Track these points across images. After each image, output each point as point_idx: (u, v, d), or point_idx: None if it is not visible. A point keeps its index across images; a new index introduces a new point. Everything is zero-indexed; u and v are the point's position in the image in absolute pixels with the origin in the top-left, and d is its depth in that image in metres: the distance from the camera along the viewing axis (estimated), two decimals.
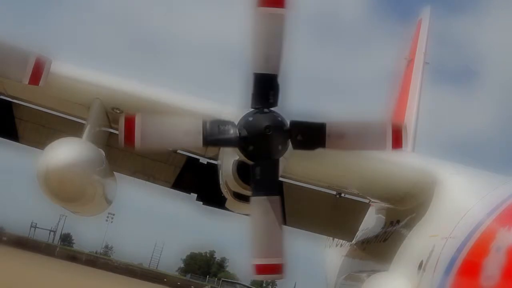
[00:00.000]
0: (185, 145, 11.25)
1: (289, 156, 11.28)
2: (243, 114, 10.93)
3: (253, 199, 10.96)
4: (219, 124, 10.91)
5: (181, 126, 11.33)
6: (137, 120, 10.67)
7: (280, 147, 10.94)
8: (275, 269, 10.75)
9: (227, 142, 10.99)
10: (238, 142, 10.90)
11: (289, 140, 10.99)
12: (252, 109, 10.93)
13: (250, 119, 10.88)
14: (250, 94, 10.89)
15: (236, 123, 10.91)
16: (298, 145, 11.09)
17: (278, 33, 10.60)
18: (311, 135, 11.06)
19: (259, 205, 10.86)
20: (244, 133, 10.80)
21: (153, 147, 11.24)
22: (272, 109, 10.92)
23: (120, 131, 10.88)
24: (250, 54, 10.81)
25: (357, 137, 11.16)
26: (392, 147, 11.19)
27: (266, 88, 10.81)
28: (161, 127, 10.83)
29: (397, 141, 11.20)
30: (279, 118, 10.95)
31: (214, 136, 10.85)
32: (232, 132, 10.87)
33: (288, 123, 11.01)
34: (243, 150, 10.94)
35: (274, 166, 10.98)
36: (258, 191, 10.92)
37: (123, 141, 10.70)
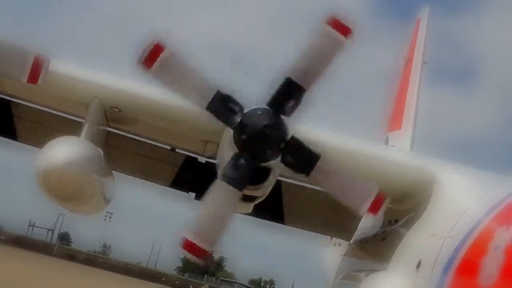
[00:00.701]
0: (191, 97, 11.10)
1: (277, 164, 11.27)
2: (238, 120, 10.91)
3: (218, 182, 11.00)
4: (230, 100, 10.92)
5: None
6: (165, 51, 10.58)
7: (269, 152, 10.95)
8: (200, 253, 10.75)
9: (227, 120, 10.98)
10: (235, 125, 10.89)
11: (281, 152, 10.99)
12: (265, 107, 10.93)
13: (259, 113, 10.90)
14: (271, 93, 10.90)
15: (245, 110, 10.92)
16: (286, 161, 11.13)
17: (329, 55, 10.71)
18: (302, 159, 11.09)
19: (221, 189, 10.89)
20: (246, 121, 10.81)
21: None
22: (283, 116, 10.93)
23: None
24: (293, 60, 10.85)
25: (340, 188, 11.20)
26: (369, 211, 11.32)
27: (289, 95, 10.85)
28: (182, 67, 10.74)
29: (375, 207, 11.31)
30: (283, 127, 10.95)
31: (220, 107, 10.85)
32: (237, 114, 10.89)
33: (289, 136, 11.02)
34: (237, 136, 10.91)
35: (253, 164, 10.99)
36: (226, 178, 10.94)
37: (142, 59, 10.59)
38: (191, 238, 10.69)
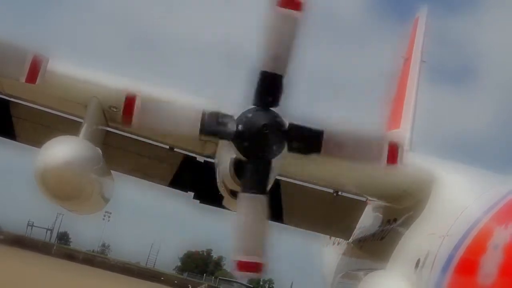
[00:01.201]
0: (181, 131, 11.27)
1: (285, 156, 11.32)
2: (243, 111, 10.99)
3: (241, 195, 11.10)
4: (218, 116, 11.02)
5: (181, 112, 11.38)
6: (137, 100, 10.74)
7: (275, 147, 11.02)
8: (256, 268, 10.94)
9: (224, 135, 11.08)
10: (234, 136, 10.97)
11: (285, 141, 11.06)
12: (253, 106, 10.99)
13: (249, 115, 10.97)
14: (253, 91, 10.97)
15: (235, 119, 10.97)
16: (293, 148, 11.19)
17: (291, 35, 10.72)
18: (308, 140, 11.18)
19: (246, 202, 11.03)
20: (241, 128, 10.88)
21: (149, 127, 11.36)
22: (273, 109, 10.98)
23: (118, 108, 10.93)
24: (260, 52, 10.90)
25: (353, 149, 11.30)
26: (387, 162, 11.30)
27: (270, 87, 10.92)
28: (161, 110, 10.94)
29: (393, 157, 11.33)
30: (278, 119, 11.03)
31: (212, 126, 10.98)
32: (230, 125, 10.97)
33: (287, 124, 11.07)
34: (239, 145, 11.00)
35: (266, 165, 11.06)
36: (247, 188, 11.02)
37: (121, 118, 10.76)
38: (242, 258, 10.79)
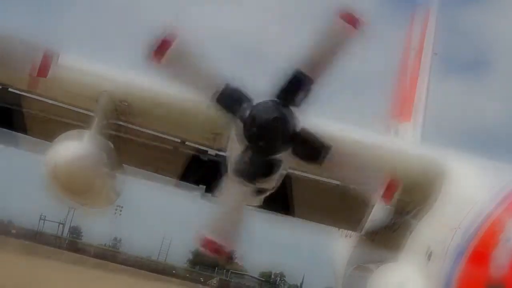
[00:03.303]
0: (201, 89, 11.17)
1: (286, 157, 11.31)
2: (247, 112, 10.94)
3: (230, 176, 11.16)
4: (240, 92, 10.98)
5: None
6: (175, 44, 10.67)
7: (279, 144, 10.99)
8: (218, 250, 10.97)
9: (235, 111, 11.02)
10: (245, 118, 10.92)
11: (291, 143, 11.04)
12: (275, 99, 10.96)
13: (267, 104, 10.93)
14: (280, 86, 10.94)
15: (254, 103, 10.95)
16: (296, 153, 11.20)
17: (339, 47, 10.84)
18: (313, 151, 11.14)
19: (234, 184, 11.10)
20: (255, 113, 10.84)
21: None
22: (292, 107, 10.97)
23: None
24: (301, 51, 10.93)
25: (353, 175, 11.32)
26: (382, 197, 11.37)
27: (298, 86, 10.90)
28: (191, 60, 10.83)
29: (388, 194, 11.36)
30: (293, 118, 10.99)
31: (229, 99, 10.93)
32: (246, 106, 10.93)
33: (299, 127, 11.06)
34: (247, 129, 10.94)
35: (263, 157, 11.04)
36: (239, 172, 11.02)
37: (152, 53, 10.65)
38: (210, 237, 10.81)
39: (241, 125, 10.98)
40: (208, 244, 10.90)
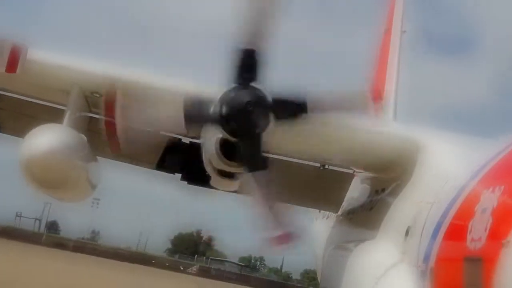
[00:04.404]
0: (168, 128, 11.35)
1: (272, 131, 11.36)
2: (224, 91, 11.00)
3: (245, 176, 11.31)
4: (201, 102, 11.01)
5: (162, 108, 11.35)
6: (117, 122, 10.83)
7: (262, 122, 11.04)
8: (288, 238, 11.14)
9: (209, 120, 11.09)
10: (220, 119, 10.99)
11: (271, 114, 11.09)
12: (234, 85, 10.99)
13: (232, 95, 10.96)
14: (233, 69, 10.97)
15: (218, 100, 10.97)
16: (280, 118, 11.23)
17: (268, 9, 10.73)
18: (293, 107, 11.18)
19: (252, 181, 11.20)
20: (226, 110, 10.89)
21: (137, 138, 11.41)
22: (254, 84, 10.99)
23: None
24: (236, 28, 10.90)
25: (338, 103, 11.39)
26: (372, 108, 11.46)
27: (249, 64, 10.91)
28: (142, 115, 10.97)
29: (377, 105, 11.44)
30: (261, 94, 11.04)
31: (195, 112, 10.98)
32: (214, 110, 10.96)
33: (270, 98, 11.10)
34: (226, 127, 11.02)
35: (257, 141, 11.11)
36: (248, 168, 11.14)
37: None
38: (273, 234, 11.15)
39: (220, 127, 11.06)
40: (277, 240, 11.07)
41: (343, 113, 11.50)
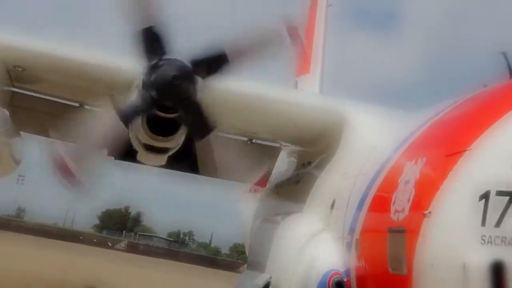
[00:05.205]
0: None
1: (203, 86, 11.33)
2: (145, 71, 10.87)
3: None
4: (160, 39, 10.92)
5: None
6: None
7: (191, 88, 11.00)
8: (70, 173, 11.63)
9: (143, 110, 11.03)
10: (150, 104, 10.94)
11: (196, 76, 11.04)
12: (151, 64, 10.89)
13: (154, 75, 10.88)
14: (142, 49, 10.87)
15: (141, 81, 10.89)
16: (205, 75, 11.24)
17: (269, 49, 11.15)
18: (215, 61, 11.20)
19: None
20: (154, 94, 10.84)
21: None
22: (168, 57, 10.91)
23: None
24: (234, 36, 11.16)
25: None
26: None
27: (216, 65, 10.95)
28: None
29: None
30: (179, 63, 10.96)
31: (127, 106, 10.92)
32: (142, 96, 10.92)
33: (189, 63, 11.05)
34: (156, 105, 10.96)
35: (196, 108, 11.08)
36: (204, 133, 11.52)
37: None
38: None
39: (140, 81, 10.94)
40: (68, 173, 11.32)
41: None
